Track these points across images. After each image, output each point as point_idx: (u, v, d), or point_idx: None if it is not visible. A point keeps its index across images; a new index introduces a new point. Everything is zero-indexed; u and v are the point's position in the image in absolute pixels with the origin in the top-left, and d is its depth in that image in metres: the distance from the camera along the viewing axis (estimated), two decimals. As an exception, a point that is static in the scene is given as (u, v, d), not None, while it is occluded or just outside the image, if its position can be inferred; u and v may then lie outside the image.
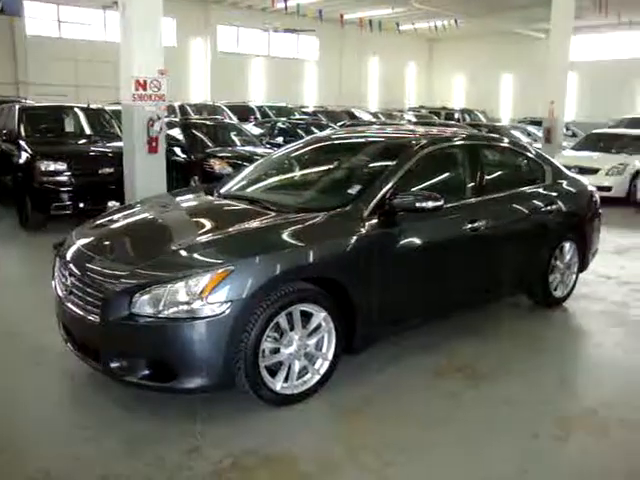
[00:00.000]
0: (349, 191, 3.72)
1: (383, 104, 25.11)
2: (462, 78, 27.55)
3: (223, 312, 2.91)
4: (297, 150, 4.69)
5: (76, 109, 9.47)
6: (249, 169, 4.69)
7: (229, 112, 16.46)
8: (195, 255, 3.11)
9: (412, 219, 3.65)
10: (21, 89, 15.66)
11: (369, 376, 3.63)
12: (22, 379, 3.57)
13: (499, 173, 4.77)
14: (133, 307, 2.93)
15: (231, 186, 4.36)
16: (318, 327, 3.32)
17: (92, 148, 8.27)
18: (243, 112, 17.24)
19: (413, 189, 3.78)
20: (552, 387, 3.62)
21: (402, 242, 3.63)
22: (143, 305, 2.92)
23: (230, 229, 3.33)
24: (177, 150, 9.39)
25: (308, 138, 5.05)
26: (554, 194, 4.85)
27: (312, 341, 3.30)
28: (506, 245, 4.39)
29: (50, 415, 3.18)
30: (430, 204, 3.51)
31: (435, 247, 3.82)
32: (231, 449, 2.86)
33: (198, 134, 10.05)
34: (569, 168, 9.46)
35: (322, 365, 3.38)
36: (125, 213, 3.99)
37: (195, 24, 19.14)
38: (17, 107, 8.88)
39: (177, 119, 11.50)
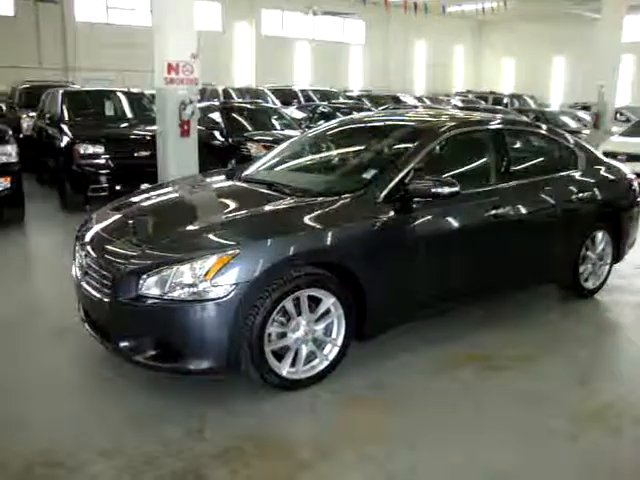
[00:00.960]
0: (365, 175, 3.67)
1: (430, 89, 24.65)
2: (512, 62, 26.70)
3: (228, 295, 2.92)
4: (320, 133, 4.65)
5: (117, 93, 9.69)
6: (271, 153, 4.68)
7: (272, 96, 16.46)
8: (203, 237, 3.13)
9: (430, 204, 3.56)
10: (70, 74, 16.13)
11: (380, 363, 3.58)
12: (39, 357, 3.68)
13: (527, 159, 4.61)
14: (141, 288, 2.97)
15: (252, 169, 4.36)
16: (327, 312, 3.30)
17: (129, 131, 8.43)
18: (287, 96, 17.25)
19: (433, 174, 3.68)
20: (572, 382, 3.48)
21: (419, 228, 3.55)
22: (150, 286, 2.96)
23: (240, 212, 3.35)
24: (216, 133, 9.47)
25: (332, 121, 4.98)
26: (586, 181, 4.65)
27: (320, 326, 3.28)
28: (532, 233, 4.24)
29: (59, 395, 3.28)
30: (446, 190, 3.42)
31: (454, 234, 3.72)
32: (232, 433, 2.88)
33: (237, 117, 10.10)
34: (616, 155, 9.18)
35: (331, 351, 3.36)
36: (142, 197, 4.04)
37: (240, 8, 19.19)
38: (60, 91, 9.15)
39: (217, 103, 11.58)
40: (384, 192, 3.46)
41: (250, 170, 4.35)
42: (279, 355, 3.21)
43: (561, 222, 4.43)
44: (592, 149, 5.08)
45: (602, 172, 4.87)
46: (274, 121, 10.48)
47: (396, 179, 3.51)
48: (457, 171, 3.98)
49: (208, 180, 4.38)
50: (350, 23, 22.88)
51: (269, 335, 3.13)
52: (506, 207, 3.96)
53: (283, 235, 3.11)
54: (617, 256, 5.04)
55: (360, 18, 22.54)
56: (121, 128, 8.46)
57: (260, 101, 12.42)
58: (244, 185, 3.93)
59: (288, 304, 3.13)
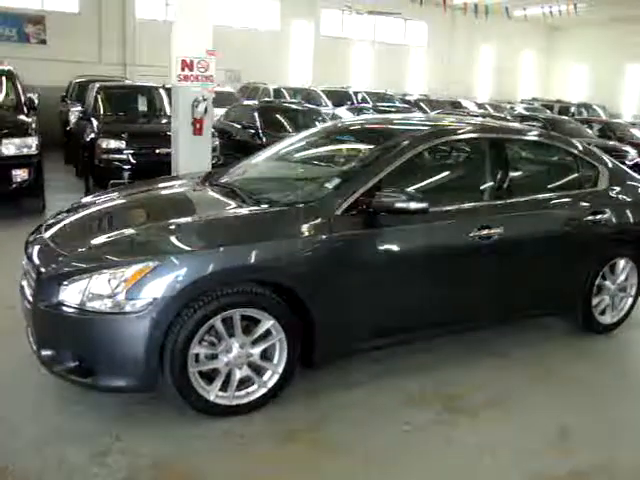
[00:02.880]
0: (327, 185, 3.31)
1: (494, 95, 23.62)
2: (584, 69, 25.18)
3: (145, 309, 2.66)
4: (302, 139, 4.29)
5: (152, 89, 9.70)
6: (254, 158, 4.39)
7: (324, 97, 16.27)
8: (126, 246, 2.89)
9: (400, 221, 3.17)
10: (128, 70, 16.52)
11: (330, 396, 3.21)
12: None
13: (531, 173, 4.11)
14: (60, 295, 2.76)
15: (228, 173, 4.09)
16: (267, 335, 2.98)
17: (153, 127, 8.41)
18: (340, 97, 16.99)
19: (409, 187, 3.30)
20: (548, 436, 2.99)
21: (383, 247, 3.16)
22: (69, 294, 2.75)
23: (174, 221, 3.08)
24: (251, 132, 9.30)
25: (317, 127, 4.64)
26: (606, 201, 4.08)
27: (256, 350, 2.97)
28: (528, 257, 3.74)
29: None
30: (412, 206, 3.02)
31: (425, 255, 3.30)
32: (138, 460, 2.62)
33: (275, 117, 9.90)
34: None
35: (271, 378, 3.04)
36: (97, 199, 3.84)
37: (300, 7, 19.05)
38: (96, 86, 9.27)
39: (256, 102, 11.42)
40: (344, 205, 3.09)
41: (225, 174, 4.08)
42: (212, 378, 2.92)
43: (570, 246, 3.89)
44: (621, 166, 4.48)
45: (630, 190, 4.27)
46: (314, 122, 10.21)
47: (360, 191, 3.13)
48: (437, 184, 3.56)
49: (176, 183, 4.13)
50: (412, 25, 22.26)
51: (196, 356, 2.85)
52: (497, 228, 3.49)
53: (211, 248, 2.82)
54: (644, 287, 4.42)
55: (423, 20, 21.91)
56: (146, 124, 8.45)
57: (301, 101, 12.17)
58: (206, 191, 3.65)
59: (217, 323, 2.84)
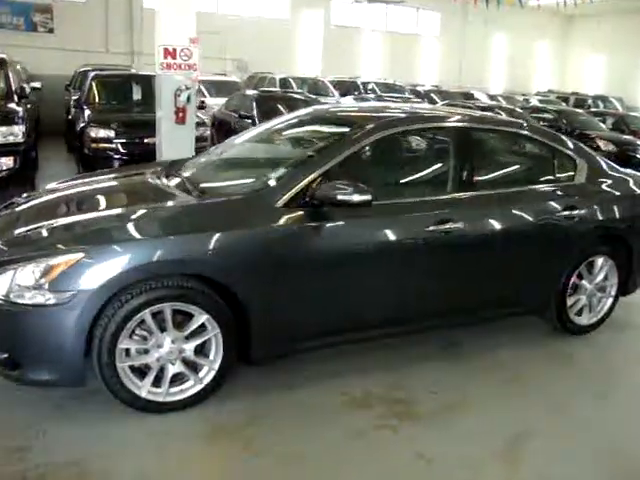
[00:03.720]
0: (270, 175, 3.17)
1: (508, 87, 23.11)
2: (601, 60, 24.50)
3: (70, 302, 2.56)
4: (270, 127, 4.12)
5: (147, 77, 9.59)
6: (220, 147, 4.26)
7: (331, 87, 16.09)
8: (53, 236, 2.78)
9: (348, 214, 3.01)
10: (135, 59, 16.49)
11: (271, 395, 3.08)
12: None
13: (501, 165, 3.90)
14: (-13, 285, 2.67)
15: (191, 163, 3.97)
16: (202, 330, 2.86)
17: (144, 116, 8.30)
18: (348, 88, 16.81)
19: (362, 179, 3.13)
20: (495, 445, 2.82)
21: (327, 241, 3.01)
22: None
23: (108, 212, 2.98)
24: (248, 122, 9.20)
25: (286, 115, 4.47)
26: (583, 196, 3.87)
27: (190, 345, 2.85)
28: (496, 255, 3.56)
29: None
30: (356, 198, 2.86)
31: (379, 250, 3.14)
32: (58, 458, 2.53)
33: (273, 107, 9.76)
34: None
35: (207, 374, 2.92)
36: (51, 188, 3.76)
37: (310, -4, 18.88)
38: (90, 74, 9.21)
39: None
40: (286, 196, 2.95)
41: (189, 163, 3.96)
42: (145, 372, 2.82)
43: (538, 243, 3.69)
44: (602, 158, 4.27)
45: (611, 185, 4.06)
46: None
47: (304, 181, 2.98)
48: (394, 176, 3.40)
49: (140, 172, 4.01)
50: (424, 14, 21.86)
51: (126, 350, 2.75)
52: (459, 222, 3.31)
53: (138, 240, 2.70)
54: (626, 287, 4.22)
55: (435, 9, 21.51)
56: (138, 113, 8.34)
57: (302, 91, 12.01)
58: (159, 181, 3.52)
59: (147, 317, 2.73)
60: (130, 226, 2.78)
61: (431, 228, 3.23)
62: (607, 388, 3.45)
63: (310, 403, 3.04)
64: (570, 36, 25.67)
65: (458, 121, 3.58)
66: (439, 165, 3.53)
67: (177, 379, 2.88)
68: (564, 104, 17.85)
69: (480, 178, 3.56)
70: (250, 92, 10.84)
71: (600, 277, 4.07)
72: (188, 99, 6.34)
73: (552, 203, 3.74)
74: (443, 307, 3.48)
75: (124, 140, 7.61)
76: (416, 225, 3.22)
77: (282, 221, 2.90)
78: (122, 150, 7.57)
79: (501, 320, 4.05)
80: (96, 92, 8.88)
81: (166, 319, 2.77)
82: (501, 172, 3.85)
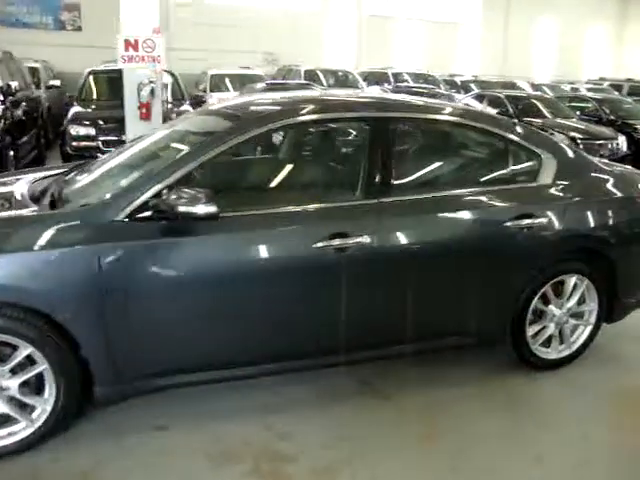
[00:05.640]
0: (119, 184, 2.63)
1: (557, 75, 21.57)
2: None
3: None
4: (163, 130, 3.55)
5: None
6: (125, 148, 3.73)
7: (360, 79, 15.46)
8: None
9: (210, 228, 2.46)
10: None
11: (127, 438, 2.58)
12: None
13: (430, 164, 3.19)
14: None
15: (83, 168, 3.47)
16: (32, 364, 2.39)
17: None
18: (379, 78, 16.14)
19: (231, 186, 2.59)
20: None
21: (183, 261, 2.47)
22: None
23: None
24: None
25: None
26: (546, 201, 3.14)
27: (14, 382, 2.39)
28: (423, 276, 2.89)
29: None
30: (198, 209, 2.30)
31: (248, 272, 2.55)
32: None
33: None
34: None
35: (40, 416, 2.45)
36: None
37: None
38: (86, 70, 8.98)
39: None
40: (128, 209, 2.41)
41: (82, 168, 3.47)
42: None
43: (482, 260, 2.99)
44: (579, 153, 3.49)
45: (588, 187, 3.30)
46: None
47: (150, 191, 2.44)
48: (273, 181, 2.81)
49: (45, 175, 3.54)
50: (464, 1, 20.71)
51: None
52: (360, 236, 2.66)
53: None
54: (610, 313, 3.44)
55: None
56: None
57: (309, 82, 11.45)
58: (18, 188, 3.02)
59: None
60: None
61: (321, 244, 2.60)
62: (550, 449, 2.72)
63: (170, 450, 2.52)
64: (627, 17, 23.67)
65: (370, 110, 2.91)
66: (341, 166, 2.91)
67: (4, 421, 2.43)
68: (616, 93, 16.42)
69: (401, 180, 2.90)
70: (259, 85, 10.39)
71: (573, 301, 3.32)
72: (152, 94, 5.90)
73: (500, 210, 3.02)
74: (343, 341, 2.83)
75: (106, 138, 7.30)
76: (299, 240, 2.60)
77: (121, 238, 2.38)
78: (104, 148, 7.25)
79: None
80: (90, 89, 8.65)
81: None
82: (431, 172, 3.16)
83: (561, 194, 3.20)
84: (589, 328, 3.41)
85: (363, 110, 2.90)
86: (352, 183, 2.78)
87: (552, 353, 3.35)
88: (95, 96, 8.58)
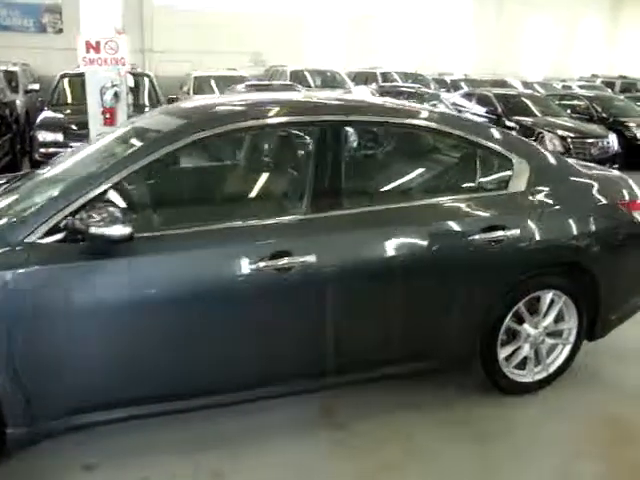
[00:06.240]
0: (37, 201, 2.35)
1: (550, 73, 21.27)
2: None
3: None
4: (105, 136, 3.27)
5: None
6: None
7: (347, 79, 15.22)
8: None
9: (130, 250, 2.18)
10: (147, 56, 16.09)
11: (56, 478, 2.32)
12: None
13: (390, 172, 2.92)
14: None
15: (20, 180, 3.19)
16: None
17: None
18: (366, 78, 15.90)
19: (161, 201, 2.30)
20: None
21: (101, 285, 2.20)
22: None
23: None
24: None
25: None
26: (517, 210, 2.86)
27: None
28: (377, 294, 2.61)
29: None
30: (111, 231, 2.03)
31: (169, 298, 2.27)
32: None
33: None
34: None
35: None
36: None
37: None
38: (59, 74, 8.69)
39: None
40: (41, 229, 2.14)
41: (22, 178, 3.19)
42: None
43: (445, 276, 2.71)
44: (556, 157, 3.22)
45: (566, 194, 3.03)
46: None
47: (64, 210, 2.17)
48: (205, 196, 2.54)
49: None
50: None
51: None
52: (305, 254, 2.38)
53: None
54: (591, 330, 3.17)
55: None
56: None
57: (294, 83, 11.19)
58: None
59: None
60: None
61: (261, 264, 2.32)
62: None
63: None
64: (620, 12, 23.37)
65: (317, 113, 2.61)
66: (284, 176, 2.61)
67: None
68: (609, 90, 16.18)
69: (354, 191, 2.63)
70: (239, 87, 10.11)
71: (549, 319, 3.04)
72: (116, 98, 5.61)
73: (466, 222, 2.74)
74: (287, 370, 2.55)
75: (76, 144, 6.99)
76: (235, 261, 2.31)
77: (31, 262, 2.10)
78: (72, 155, 6.96)
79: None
80: (63, 92, 8.36)
81: None
82: (389, 181, 2.88)
83: (535, 202, 2.92)
84: (568, 347, 3.14)
85: (309, 114, 2.62)
86: (298, 195, 2.50)
87: (527, 376, 3.07)
88: (69, 100, 8.29)
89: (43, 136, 7.02)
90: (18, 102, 10.61)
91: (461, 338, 2.84)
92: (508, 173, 2.95)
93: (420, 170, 3.06)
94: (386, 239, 2.58)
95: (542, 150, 3.19)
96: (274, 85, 10.41)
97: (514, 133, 9.28)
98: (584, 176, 3.20)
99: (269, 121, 2.55)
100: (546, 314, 3.02)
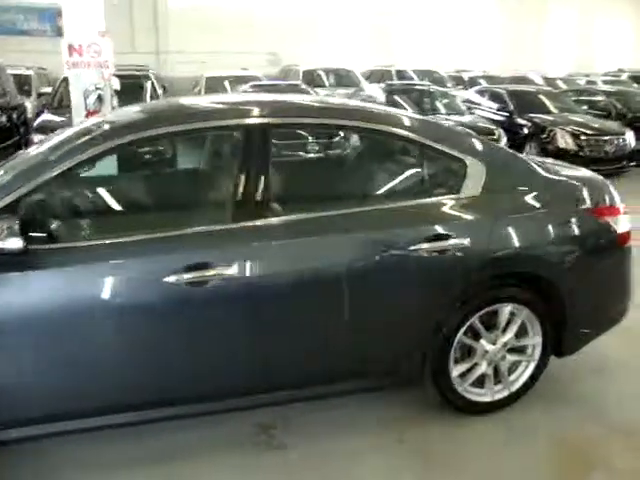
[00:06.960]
0: None
1: (574, 68, 20.62)
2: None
3: None
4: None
5: (134, 78, 9.06)
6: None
7: (361, 77, 15.08)
8: None
9: (26, 264, 2.08)
10: (160, 58, 16.15)
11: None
12: None
13: (321, 177, 2.77)
14: None
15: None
16: None
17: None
18: (381, 77, 15.67)
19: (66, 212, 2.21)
20: None
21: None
22: None
23: None
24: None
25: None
26: (468, 217, 2.66)
27: None
28: (298, 310, 2.44)
29: None
30: (10, 245, 1.94)
31: (75, 312, 2.15)
32: None
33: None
34: None
35: None
36: None
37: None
38: (62, 76, 8.71)
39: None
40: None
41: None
42: None
43: (384, 290, 2.53)
44: (517, 157, 2.99)
45: (523, 198, 2.80)
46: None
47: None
48: (130, 201, 2.41)
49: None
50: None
51: None
52: (225, 266, 2.24)
53: None
54: (559, 346, 2.94)
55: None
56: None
57: (299, 83, 11.04)
58: None
59: None
60: None
61: (174, 278, 2.19)
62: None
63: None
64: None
65: (243, 116, 2.45)
66: (205, 183, 2.46)
67: None
68: (635, 85, 15.54)
69: (281, 198, 2.47)
70: (243, 87, 10.03)
71: (510, 334, 2.83)
72: (99, 101, 5.55)
73: (408, 231, 2.55)
74: (208, 389, 2.41)
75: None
76: (145, 275, 2.19)
77: None
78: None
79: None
80: (64, 95, 8.37)
81: None
82: (323, 187, 2.72)
83: (490, 207, 2.71)
84: (533, 365, 2.92)
85: (233, 117, 2.47)
86: (219, 203, 2.36)
87: (486, 395, 2.87)
88: (69, 102, 8.29)
89: (39, 139, 7.01)
90: (29, 105, 10.79)
91: (407, 355, 2.66)
92: (461, 176, 2.73)
93: (359, 175, 2.88)
94: (315, 250, 2.43)
95: (505, 150, 2.99)
96: (280, 85, 10.26)
97: (525, 130, 9.36)
98: (547, 179, 2.94)
99: (182, 128, 2.40)
100: (505, 329, 2.82)
